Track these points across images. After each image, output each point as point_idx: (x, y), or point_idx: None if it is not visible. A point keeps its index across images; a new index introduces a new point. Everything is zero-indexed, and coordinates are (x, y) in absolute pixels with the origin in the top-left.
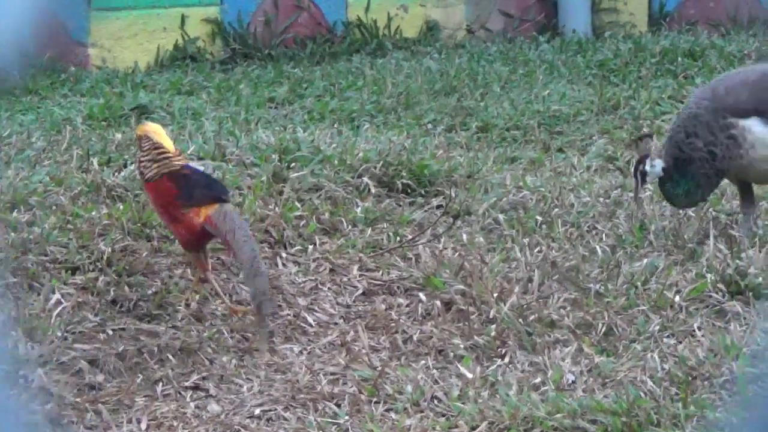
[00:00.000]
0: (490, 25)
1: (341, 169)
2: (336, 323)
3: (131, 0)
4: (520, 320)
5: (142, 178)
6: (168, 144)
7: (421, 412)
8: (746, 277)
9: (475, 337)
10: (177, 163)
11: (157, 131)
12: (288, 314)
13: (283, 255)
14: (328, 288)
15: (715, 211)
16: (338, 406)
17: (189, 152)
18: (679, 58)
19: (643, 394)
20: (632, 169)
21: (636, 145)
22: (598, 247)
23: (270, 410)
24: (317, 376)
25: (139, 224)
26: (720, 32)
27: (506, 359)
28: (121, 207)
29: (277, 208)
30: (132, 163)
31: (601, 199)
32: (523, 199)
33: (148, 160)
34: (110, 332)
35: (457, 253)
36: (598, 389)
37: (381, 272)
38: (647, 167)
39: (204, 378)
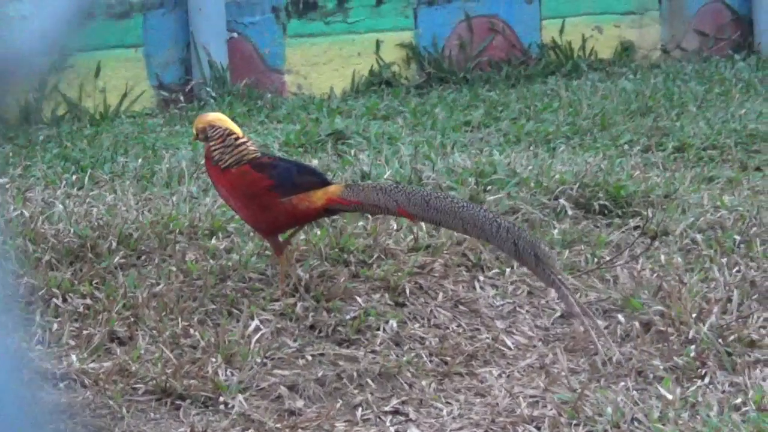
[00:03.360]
0: (685, 45)
1: (537, 191)
2: (535, 346)
3: (326, 26)
4: (720, 340)
5: (216, 167)
6: (237, 130)
7: None
8: None
9: (675, 358)
10: (253, 150)
11: (223, 118)
12: (486, 337)
13: (481, 278)
14: (527, 311)
15: None
16: (538, 429)
17: (386, 176)
18: None
19: None
20: None
21: None
22: None
23: None
24: (517, 399)
25: (336, 249)
26: None
27: (706, 380)
28: (319, 232)
29: None
30: None
31: None
32: (720, 219)
33: (224, 146)
34: (309, 357)
35: (656, 274)
36: None
37: (579, 294)
38: None
39: (404, 402)
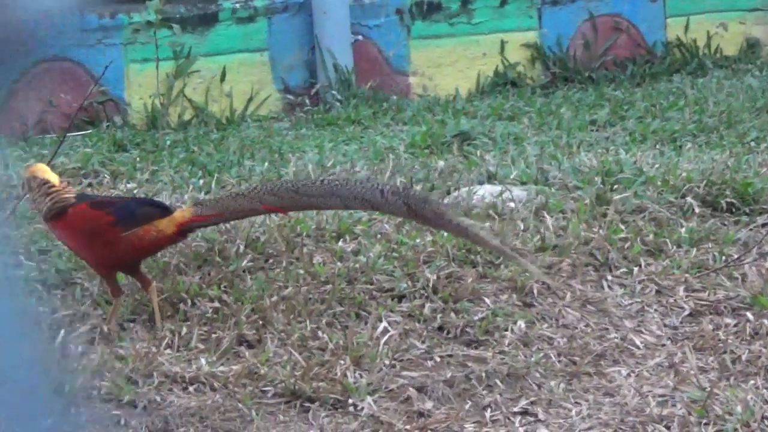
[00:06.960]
0: None
1: (664, 190)
2: (663, 345)
3: (450, 27)
4: None
5: (45, 216)
6: (54, 178)
7: None
8: None
9: None
10: (68, 195)
11: (43, 168)
12: (615, 337)
13: (609, 277)
14: (655, 309)
15: None
16: (667, 428)
17: (512, 177)
18: None
19: None
20: None
21: None
22: None
23: None
24: (646, 398)
25: (463, 250)
26: None
27: None
28: (446, 233)
29: (601, 231)
30: (454, 190)
31: None
32: None
33: (40, 196)
34: (438, 359)
35: None
36: None
37: (707, 292)
38: None
39: (533, 403)
